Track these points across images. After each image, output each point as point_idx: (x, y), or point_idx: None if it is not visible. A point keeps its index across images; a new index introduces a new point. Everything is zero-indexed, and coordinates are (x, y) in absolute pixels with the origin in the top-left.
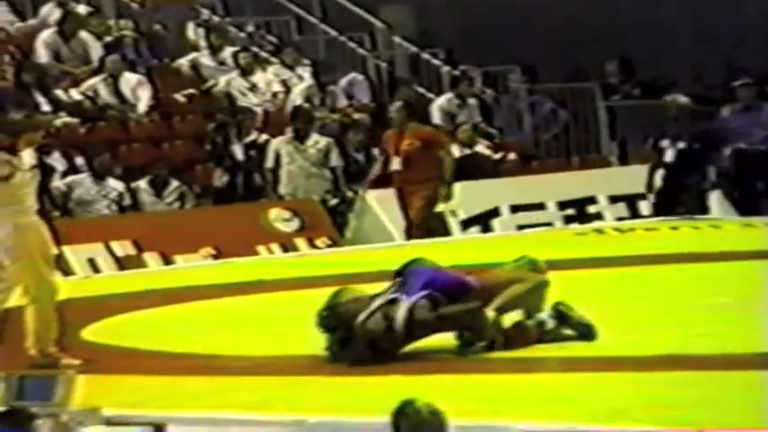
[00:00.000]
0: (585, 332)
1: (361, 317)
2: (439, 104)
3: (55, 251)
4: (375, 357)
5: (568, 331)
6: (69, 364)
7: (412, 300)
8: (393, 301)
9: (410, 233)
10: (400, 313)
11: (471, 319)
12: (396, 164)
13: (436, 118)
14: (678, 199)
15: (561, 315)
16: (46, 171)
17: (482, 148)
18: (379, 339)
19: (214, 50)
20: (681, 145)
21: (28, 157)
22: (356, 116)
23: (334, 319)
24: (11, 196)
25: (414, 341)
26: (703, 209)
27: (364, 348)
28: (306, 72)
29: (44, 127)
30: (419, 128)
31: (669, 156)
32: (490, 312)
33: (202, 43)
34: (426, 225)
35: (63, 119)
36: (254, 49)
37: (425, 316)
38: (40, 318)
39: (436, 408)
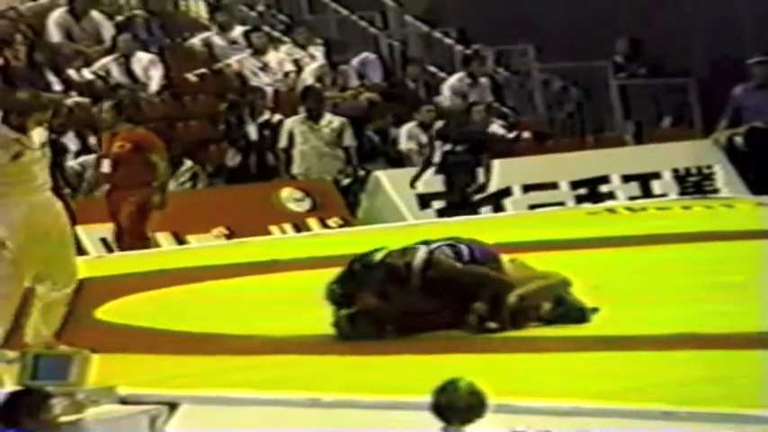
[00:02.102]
0: (578, 316)
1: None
2: (450, 84)
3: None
4: (380, 331)
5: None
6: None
7: (432, 246)
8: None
9: (121, 240)
10: (419, 254)
11: (496, 287)
12: (105, 166)
13: (447, 97)
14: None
15: (559, 298)
16: (58, 150)
17: (496, 127)
18: (393, 280)
19: (223, 29)
20: (447, 147)
21: (37, 135)
22: (367, 95)
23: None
24: (21, 174)
25: (428, 294)
26: (462, 208)
27: (370, 323)
28: (318, 51)
29: (52, 107)
30: (131, 130)
31: (437, 156)
32: (512, 297)
33: (211, 19)
34: (137, 232)
35: (75, 98)
36: (266, 28)
37: (447, 262)
38: (45, 307)
39: (476, 387)
